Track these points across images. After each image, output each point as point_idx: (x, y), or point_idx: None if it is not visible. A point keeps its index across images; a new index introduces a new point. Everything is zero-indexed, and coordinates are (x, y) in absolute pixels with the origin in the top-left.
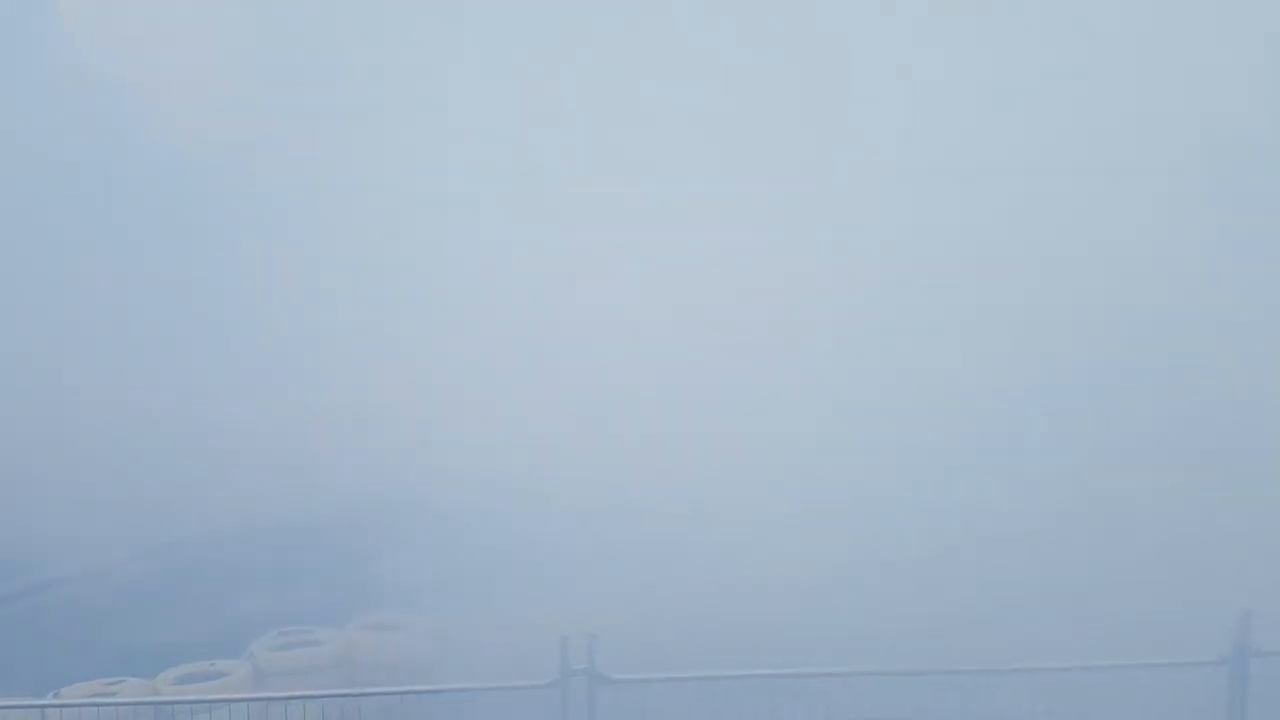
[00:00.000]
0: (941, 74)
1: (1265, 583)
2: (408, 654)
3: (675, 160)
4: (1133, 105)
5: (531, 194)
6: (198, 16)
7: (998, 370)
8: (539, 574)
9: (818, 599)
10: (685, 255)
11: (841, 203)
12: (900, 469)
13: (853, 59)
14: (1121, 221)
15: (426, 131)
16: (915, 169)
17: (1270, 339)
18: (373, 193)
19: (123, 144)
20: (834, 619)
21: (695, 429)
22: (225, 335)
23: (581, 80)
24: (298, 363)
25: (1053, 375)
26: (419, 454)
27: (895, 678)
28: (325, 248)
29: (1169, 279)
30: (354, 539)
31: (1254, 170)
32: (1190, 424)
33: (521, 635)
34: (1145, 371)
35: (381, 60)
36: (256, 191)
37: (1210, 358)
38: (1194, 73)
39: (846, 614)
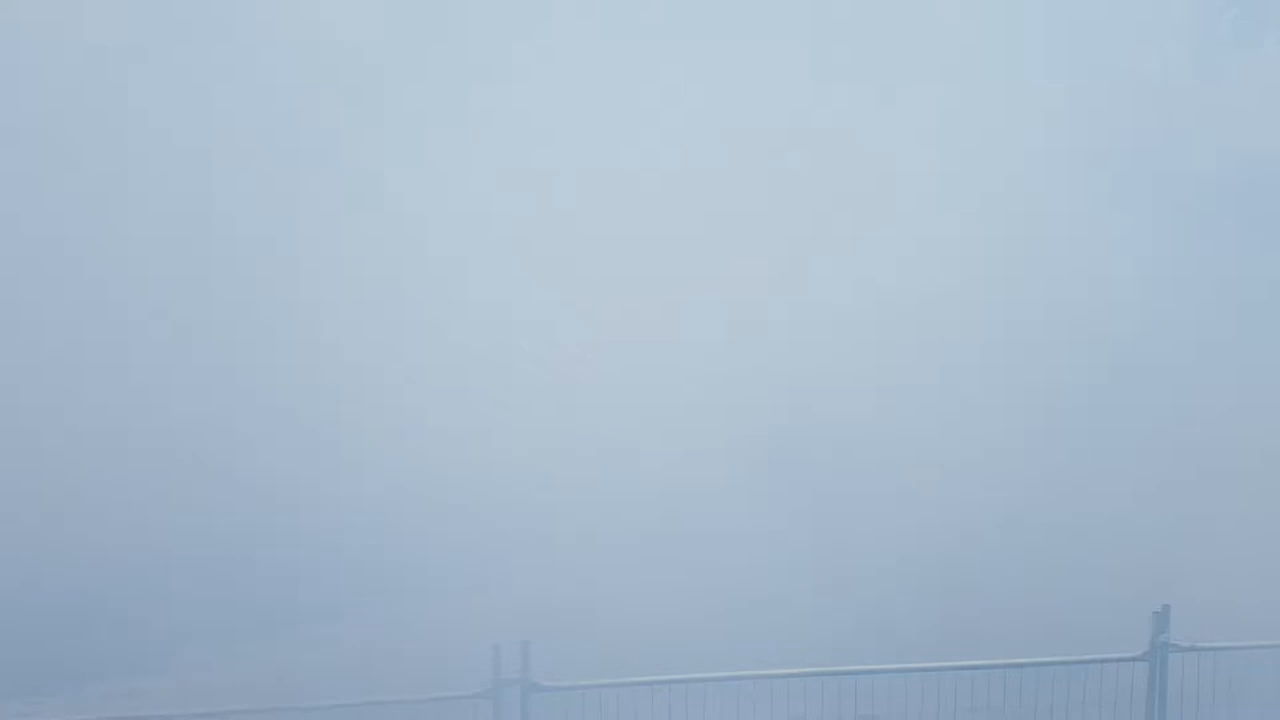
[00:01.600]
0: (951, 82)
1: (1179, 581)
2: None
3: (688, 164)
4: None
5: (534, 195)
6: (196, 17)
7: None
8: (472, 580)
9: (756, 601)
10: (692, 259)
11: (854, 208)
12: (847, 469)
13: (868, 63)
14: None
15: (425, 132)
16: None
17: (1190, 345)
18: (374, 194)
19: (121, 144)
20: (772, 622)
21: (655, 431)
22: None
23: (580, 83)
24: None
25: (980, 378)
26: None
27: (825, 678)
28: (324, 251)
29: (1094, 280)
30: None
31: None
32: (1111, 428)
33: (453, 643)
34: (1069, 374)
35: (394, 60)
36: (256, 192)
37: (1128, 363)
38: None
39: (784, 617)
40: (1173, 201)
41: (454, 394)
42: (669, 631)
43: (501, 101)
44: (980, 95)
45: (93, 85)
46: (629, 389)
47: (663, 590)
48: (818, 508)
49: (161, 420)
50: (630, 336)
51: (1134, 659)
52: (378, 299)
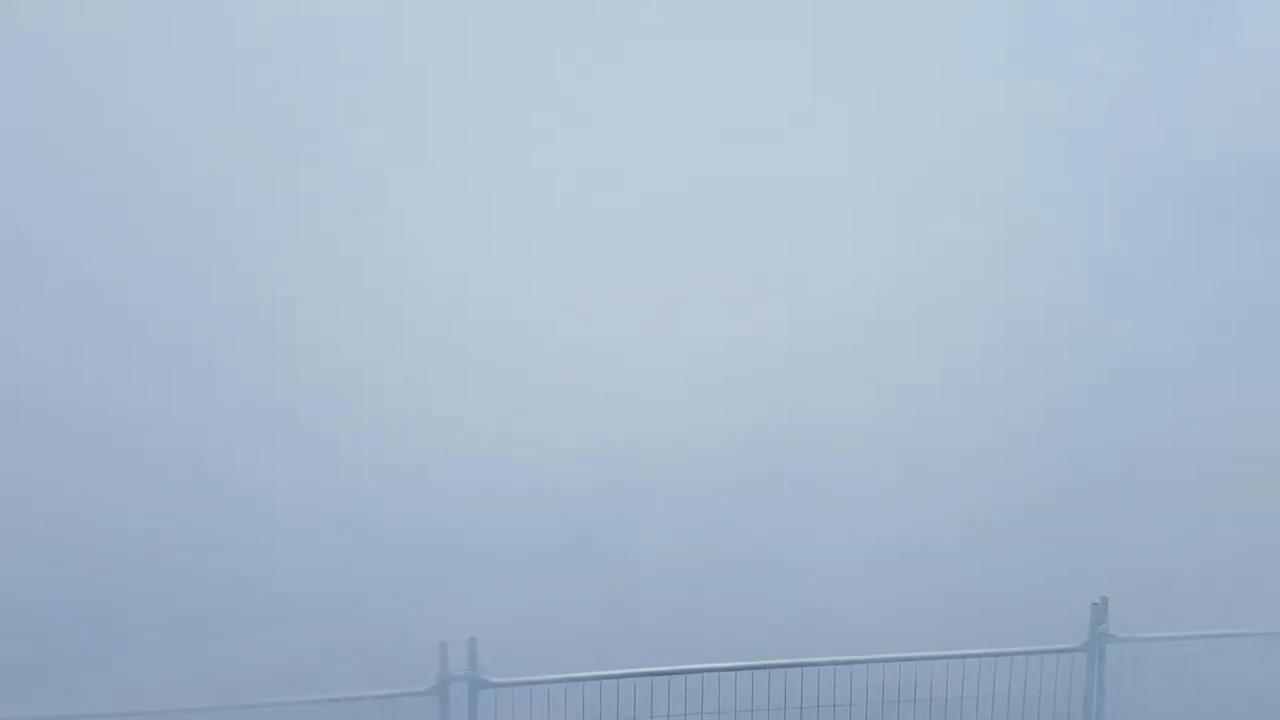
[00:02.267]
0: (948, 83)
1: (1117, 574)
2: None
3: (686, 164)
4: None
5: (532, 195)
6: (194, 17)
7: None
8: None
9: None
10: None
11: (848, 206)
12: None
13: (864, 65)
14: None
15: (424, 133)
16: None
17: (1132, 345)
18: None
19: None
20: (715, 617)
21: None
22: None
23: (578, 84)
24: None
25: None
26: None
27: (772, 670)
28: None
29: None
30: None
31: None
32: (1052, 428)
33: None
34: (1015, 372)
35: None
36: (255, 192)
37: (1075, 360)
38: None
39: (726, 612)
40: (1138, 198)
41: (409, 394)
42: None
43: (501, 102)
44: (943, 95)
45: (93, 86)
46: (605, 387)
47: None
48: (782, 503)
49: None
50: (616, 335)
51: (1073, 650)
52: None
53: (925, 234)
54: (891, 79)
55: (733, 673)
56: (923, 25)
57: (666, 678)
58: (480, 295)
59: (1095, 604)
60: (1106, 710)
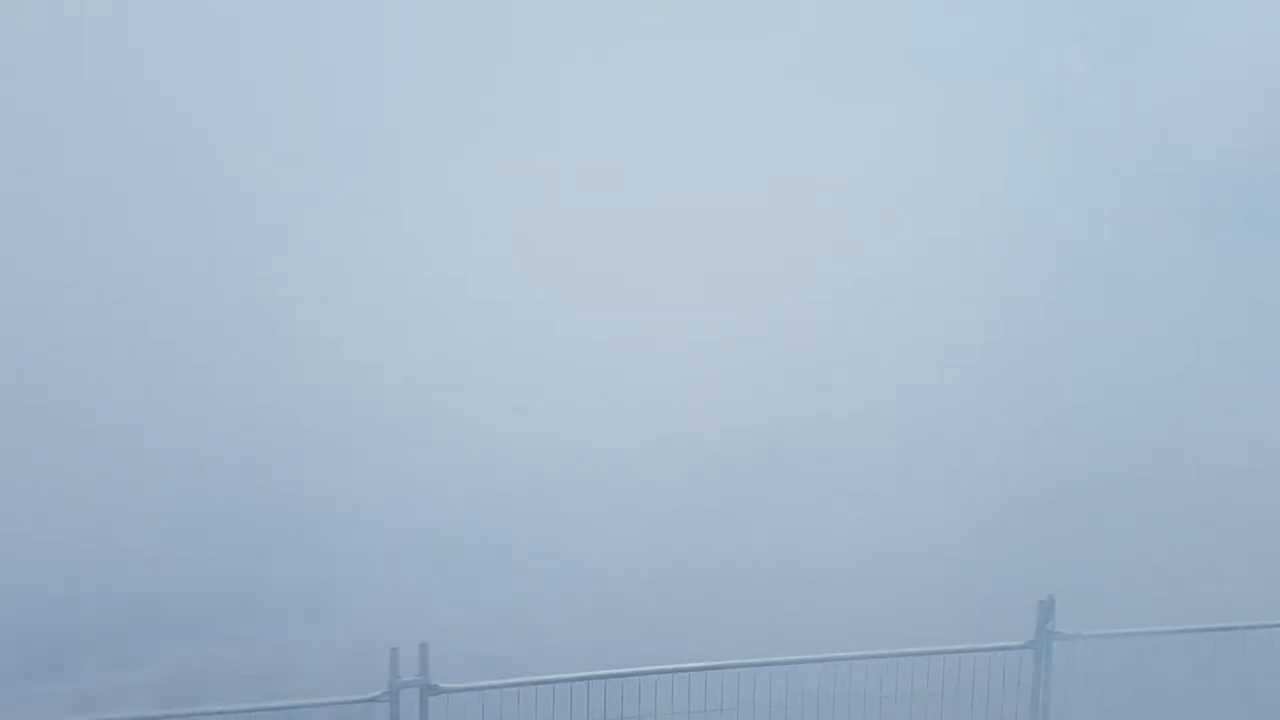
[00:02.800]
0: (946, 89)
1: (1063, 571)
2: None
3: (686, 170)
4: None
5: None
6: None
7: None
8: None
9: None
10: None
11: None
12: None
13: (862, 65)
14: None
15: (423, 135)
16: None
17: (1083, 345)
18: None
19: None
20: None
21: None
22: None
23: (576, 84)
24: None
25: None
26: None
27: (723, 671)
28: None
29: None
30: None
31: None
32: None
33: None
34: (958, 371)
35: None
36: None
37: (1013, 360)
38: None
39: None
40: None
41: (394, 393)
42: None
43: (501, 102)
44: (941, 94)
45: (93, 86)
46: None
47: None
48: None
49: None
50: (614, 335)
51: (1020, 647)
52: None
53: (913, 235)
54: (886, 79)
55: (685, 674)
56: (925, 24)
57: (620, 680)
58: (476, 296)
59: (1042, 602)
60: (1053, 708)
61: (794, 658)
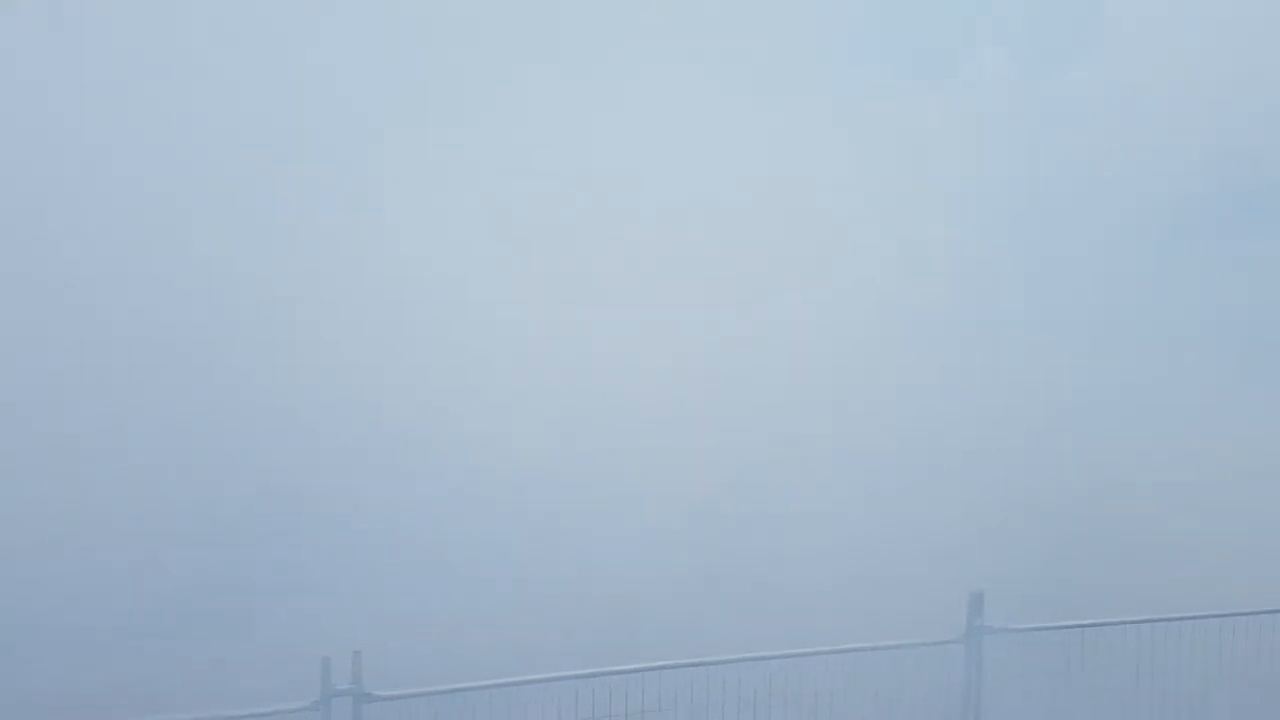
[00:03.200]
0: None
1: (993, 565)
2: None
3: (673, 164)
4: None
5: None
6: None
7: None
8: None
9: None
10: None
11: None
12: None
13: (854, 70)
14: None
15: (421, 134)
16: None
17: (1001, 344)
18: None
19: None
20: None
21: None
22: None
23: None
24: None
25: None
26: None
27: (659, 672)
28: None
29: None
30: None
31: None
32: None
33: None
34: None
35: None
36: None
37: (941, 355)
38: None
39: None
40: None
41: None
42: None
43: (501, 103)
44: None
45: (92, 86)
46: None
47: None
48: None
49: None
50: (611, 337)
51: (951, 642)
52: None
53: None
54: (884, 79)
55: (620, 676)
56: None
57: (554, 684)
58: (455, 293)
59: (972, 596)
60: (984, 702)
61: (722, 658)
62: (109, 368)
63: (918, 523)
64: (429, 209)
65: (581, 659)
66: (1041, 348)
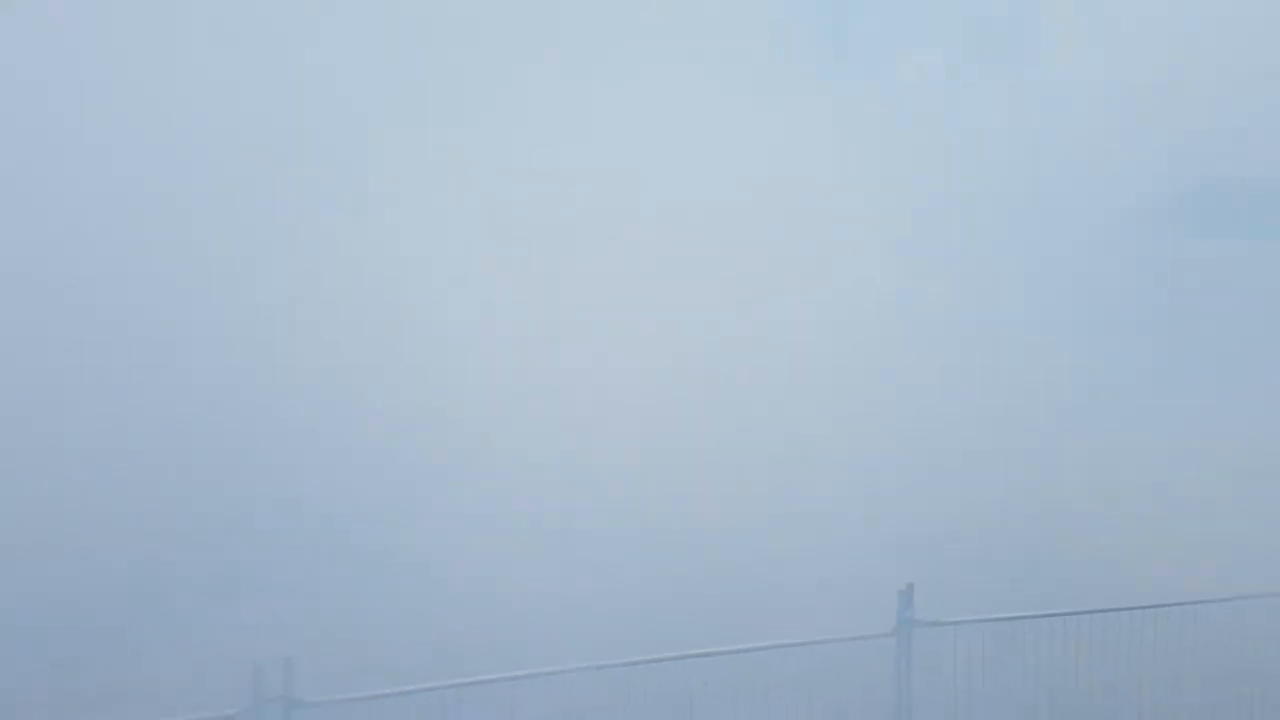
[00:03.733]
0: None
1: (922, 558)
2: None
3: (673, 164)
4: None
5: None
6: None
7: None
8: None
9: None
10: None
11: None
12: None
13: (853, 70)
14: None
15: (419, 140)
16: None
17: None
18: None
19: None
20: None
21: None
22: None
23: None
24: None
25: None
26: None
27: (594, 672)
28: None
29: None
30: None
31: None
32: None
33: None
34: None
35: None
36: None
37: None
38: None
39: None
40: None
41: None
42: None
43: (500, 104)
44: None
45: (90, 86)
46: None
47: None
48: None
49: None
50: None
51: (882, 636)
52: None
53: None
54: (884, 79)
55: (551, 677)
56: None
57: (486, 686)
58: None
59: (901, 590)
60: (915, 694)
61: (647, 657)
62: (100, 367)
63: (849, 515)
64: (428, 209)
65: (511, 662)
66: (1037, 347)
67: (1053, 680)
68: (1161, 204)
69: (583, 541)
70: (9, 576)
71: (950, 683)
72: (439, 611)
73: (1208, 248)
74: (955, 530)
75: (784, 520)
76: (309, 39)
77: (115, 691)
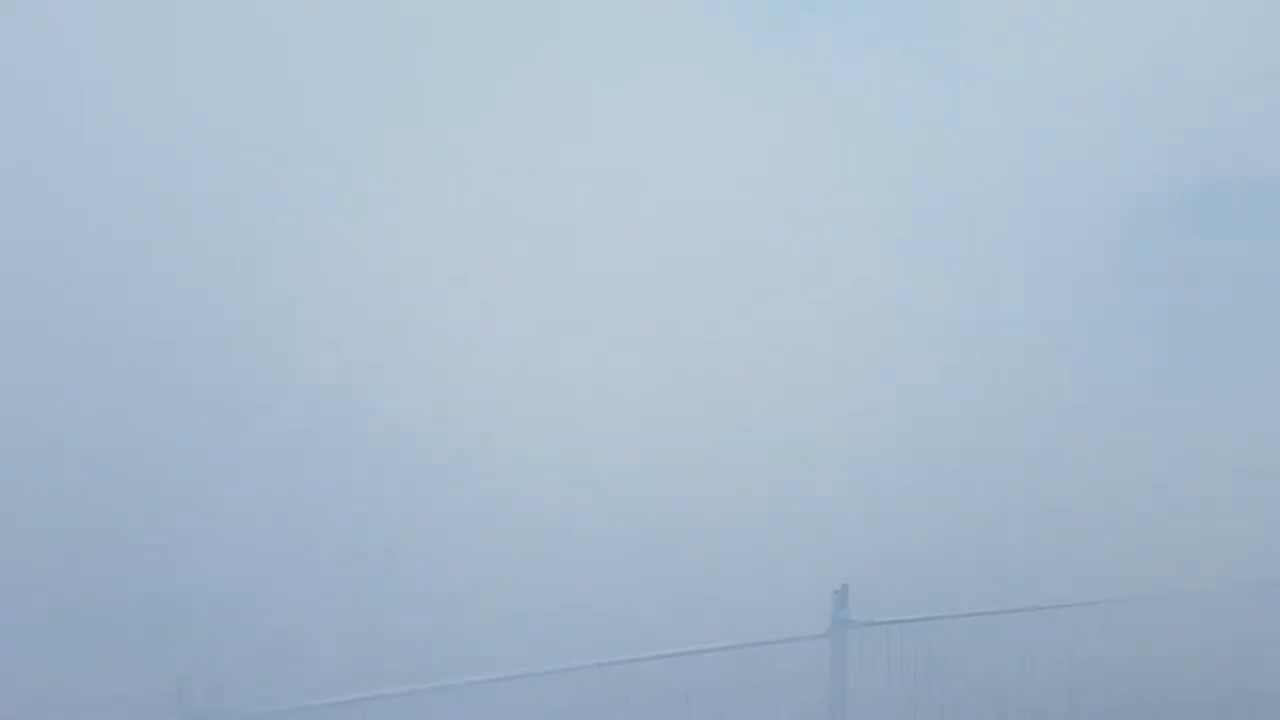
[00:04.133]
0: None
1: (857, 559)
2: None
3: (673, 164)
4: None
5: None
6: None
7: None
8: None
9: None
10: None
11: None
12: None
13: (846, 61)
14: None
15: (419, 140)
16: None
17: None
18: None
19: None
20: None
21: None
22: None
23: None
24: None
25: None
26: None
27: (526, 679)
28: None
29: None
30: None
31: None
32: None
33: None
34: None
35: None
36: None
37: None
38: None
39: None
40: None
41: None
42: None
43: (499, 104)
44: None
45: (89, 85)
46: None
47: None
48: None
49: None
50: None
51: (816, 637)
52: None
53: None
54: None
55: (482, 686)
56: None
57: (417, 696)
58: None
59: (836, 591)
60: (849, 696)
61: (577, 664)
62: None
63: (783, 515)
64: (428, 209)
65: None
66: (1036, 347)
67: (1001, 680)
68: (1161, 204)
69: (582, 541)
70: None
71: (894, 685)
72: (439, 611)
73: (1208, 248)
74: (956, 529)
75: (784, 520)
76: (309, 39)
77: (43, 705)
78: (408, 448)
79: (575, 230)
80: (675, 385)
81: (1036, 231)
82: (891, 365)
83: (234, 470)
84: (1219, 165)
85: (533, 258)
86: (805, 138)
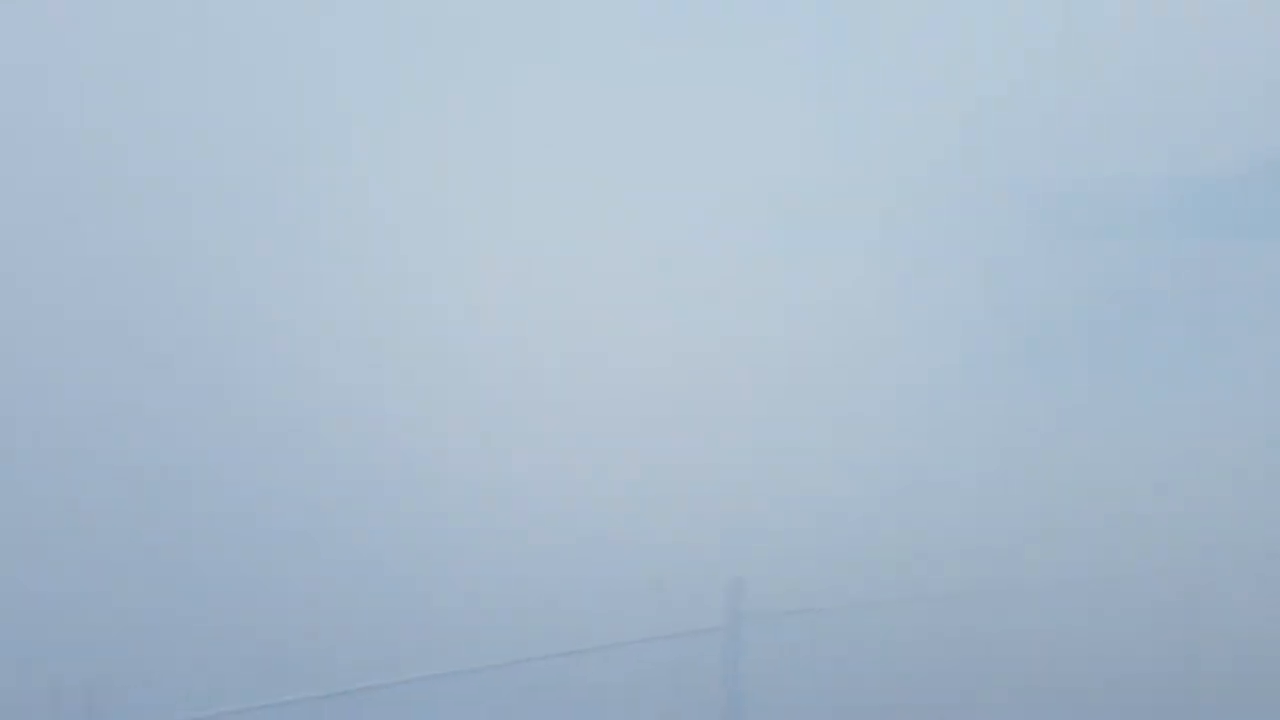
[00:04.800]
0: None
1: (753, 549)
2: None
3: (673, 163)
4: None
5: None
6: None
7: None
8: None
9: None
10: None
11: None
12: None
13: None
14: None
15: (419, 139)
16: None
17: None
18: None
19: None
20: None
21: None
22: None
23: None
24: None
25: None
26: None
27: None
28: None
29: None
30: None
31: None
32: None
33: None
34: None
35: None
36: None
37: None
38: None
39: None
40: None
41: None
42: None
43: (499, 104)
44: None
45: (86, 84)
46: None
47: None
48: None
49: None
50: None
51: (711, 630)
52: None
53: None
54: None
55: (355, 695)
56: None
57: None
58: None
59: (730, 583)
60: (744, 688)
61: (462, 667)
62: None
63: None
64: (428, 209)
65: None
66: (1036, 346)
67: (887, 670)
68: (1161, 204)
69: (581, 540)
70: None
71: (784, 676)
72: (439, 611)
73: (1208, 248)
74: (954, 530)
75: (784, 519)
76: (309, 38)
77: None
78: (407, 447)
79: (576, 230)
80: (675, 386)
81: (1038, 231)
82: (933, 363)
83: (232, 470)
84: (1220, 165)
85: (533, 257)
86: (805, 138)
